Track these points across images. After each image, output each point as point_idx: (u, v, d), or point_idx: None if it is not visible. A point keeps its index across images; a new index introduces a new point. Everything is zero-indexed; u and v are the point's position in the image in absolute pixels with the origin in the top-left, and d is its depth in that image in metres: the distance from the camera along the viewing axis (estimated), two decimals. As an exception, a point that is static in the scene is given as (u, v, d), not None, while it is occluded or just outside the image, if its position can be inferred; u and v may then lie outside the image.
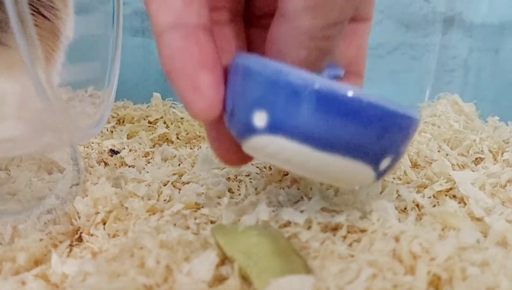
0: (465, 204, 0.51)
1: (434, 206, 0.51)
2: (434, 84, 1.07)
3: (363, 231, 0.44)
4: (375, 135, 0.37)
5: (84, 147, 0.68)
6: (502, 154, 0.67)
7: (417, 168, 0.63)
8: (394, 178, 0.58)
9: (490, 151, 0.68)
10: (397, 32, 1.02)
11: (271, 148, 0.38)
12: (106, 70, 0.55)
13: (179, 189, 0.56)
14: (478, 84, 1.05)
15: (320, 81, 0.36)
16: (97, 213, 0.49)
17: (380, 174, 0.40)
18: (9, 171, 0.60)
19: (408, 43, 1.03)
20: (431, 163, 0.62)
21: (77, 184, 0.56)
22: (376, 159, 0.39)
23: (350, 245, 0.42)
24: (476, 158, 0.67)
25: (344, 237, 0.43)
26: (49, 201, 0.52)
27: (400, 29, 1.02)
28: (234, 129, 0.40)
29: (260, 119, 0.37)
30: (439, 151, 0.68)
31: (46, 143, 0.48)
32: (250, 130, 0.38)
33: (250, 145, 0.39)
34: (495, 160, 0.66)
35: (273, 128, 0.37)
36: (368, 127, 0.36)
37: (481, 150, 0.68)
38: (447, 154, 0.67)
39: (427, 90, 1.07)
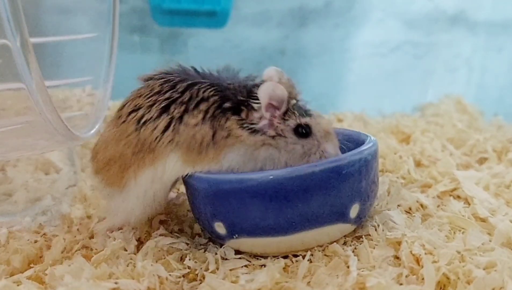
0: (469, 204, 0.50)
1: (438, 206, 0.50)
2: (437, 83, 1.06)
3: (367, 235, 0.43)
4: (320, 196, 0.38)
5: (82, 147, 0.67)
6: (506, 153, 0.66)
7: (421, 167, 0.62)
8: (398, 177, 0.57)
9: (494, 151, 0.67)
10: (400, 31, 1.01)
11: (243, 247, 0.41)
12: (102, 69, 0.54)
13: (178, 189, 0.55)
14: (481, 83, 1.04)
15: (258, 175, 0.38)
16: (88, 216, 0.48)
17: (356, 221, 0.41)
18: (6, 171, 0.59)
19: (410, 42, 1.02)
20: (435, 162, 0.61)
21: (73, 185, 0.56)
22: (340, 214, 0.39)
23: (355, 249, 0.41)
24: (480, 158, 0.66)
25: (344, 243, 0.43)
26: (45, 202, 0.51)
27: (403, 27, 1.01)
28: (210, 234, 0.43)
29: (220, 228, 0.40)
30: (442, 151, 0.67)
31: (41, 147, 0.47)
32: (218, 236, 0.41)
33: (228, 245, 0.42)
34: (499, 159, 0.65)
35: (233, 233, 0.40)
36: (314, 192, 0.37)
37: (485, 150, 0.67)
38: (451, 154, 0.66)
39: (430, 89, 1.06)
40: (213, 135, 0.40)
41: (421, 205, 0.50)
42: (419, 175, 0.58)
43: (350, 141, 0.44)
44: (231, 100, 0.40)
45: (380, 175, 0.54)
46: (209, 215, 0.40)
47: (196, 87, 0.41)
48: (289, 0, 0.96)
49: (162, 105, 0.40)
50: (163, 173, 0.41)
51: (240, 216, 0.38)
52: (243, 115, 0.40)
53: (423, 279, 0.36)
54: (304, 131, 0.41)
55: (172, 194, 0.51)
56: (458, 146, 0.70)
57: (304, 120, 0.41)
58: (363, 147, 0.40)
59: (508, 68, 1.00)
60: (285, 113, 0.41)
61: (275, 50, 0.98)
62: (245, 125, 0.40)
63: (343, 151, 0.41)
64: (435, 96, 1.03)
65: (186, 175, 0.41)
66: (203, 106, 0.40)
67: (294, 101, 0.42)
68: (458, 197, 0.53)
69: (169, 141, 0.40)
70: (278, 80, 0.42)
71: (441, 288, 0.37)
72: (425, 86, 1.06)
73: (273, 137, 0.41)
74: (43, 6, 0.66)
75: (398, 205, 0.49)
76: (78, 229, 0.46)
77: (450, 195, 0.53)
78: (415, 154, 0.64)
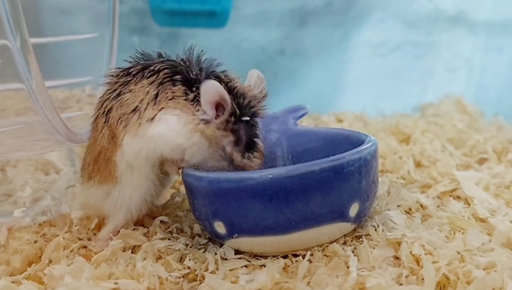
0: (469, 204, 0.50)
1: (438, 206, 0.50)
2: (437, 83, 1.06)
3: (367, 235, 0.43)
4: (319, 195, 0.38)
5: (82, 147, 0.67)
6: (506, 154, 0.66)
7: (421, 167, 0.62)
8: (398, 178, 0.57)
9: (494, 151, 0.66)
10: (400, 31, 1.01)
11: (242, 246, 0.41)
12: (102, 69, 0.54)
13: (177, 190, 0.55)
14: (481, 83, 1.04)
15: (259, 174, 0.37)
16: (88, 216, 0.48)
17: (355, 220, 0.41)
18: (6, 171, 0.59)
19: (410, 42, 1.02)
20: (435, 163, 0.61)
21: (73, 185, 0.56)
22: (339, 213, 0.39)
23: (355, 249, 0.41)
24: (480, 158, 0.66)
25: (344, 243, 0.43)
26: (45, 202, 0.51)
27: (403, 27, 1.01)
28: (209, 233, 0.43)
29: (220, 228, 0.40)
30: (442, 151, 0.67)
31: (41, 147, 0.47)
32: (218, 236, 0.41)
33: (227, 245, 0.41)
34: (499, 160, 0.65)
35: (233, 233, 0.40)
36: (314, 191, 0.37)
37: (485, 150, 0.67)
38: (451, 154, 0.66)
39: (430, 89, 1.06)
40: (156, 95, 0.40)
41: (421, 206, 0.50)
42: (419, 176, 0.58)
43: (350, 141, 0.44)
44: (182, 74, 0.40)
45: (380, 175, 0.54)
46: (209, 215, 0.40)
47: (151, 67, 0.41)
48: (289, 0, 0.96)
49: (118, 90, 0.41)
50: (131, 152, 0.41)
51: (240, 215, 0.38)
52: (191, 96, 0.40)
53: (423, 279, 0.36)
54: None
55: None
56: (458, 146, 0.70)
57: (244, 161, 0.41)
58: (363, 147, 0.40)
59: (508, 68, 1.00)
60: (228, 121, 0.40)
61: (275, 50, 0.98)
62: (189, 97, 0.40)
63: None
64: (435, 96, 1.03)
65: (183, 172, 0.41)
66: (152, 78, 0.40)
67: (247, 118, 0.40)
68: (458, 197, 0.53)
69: (119, 119, 0.40)
70: (254, 83, 0.42)
71: (441, 288, 0.36)
72: (425, 86, 1.06)
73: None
74: (43, 6, 0.66)
75: (398, 206, 0.49)
76: (78, 229, 0.46)
77: (450, 196, 0.53)
78: (415, 154, 0.64)
